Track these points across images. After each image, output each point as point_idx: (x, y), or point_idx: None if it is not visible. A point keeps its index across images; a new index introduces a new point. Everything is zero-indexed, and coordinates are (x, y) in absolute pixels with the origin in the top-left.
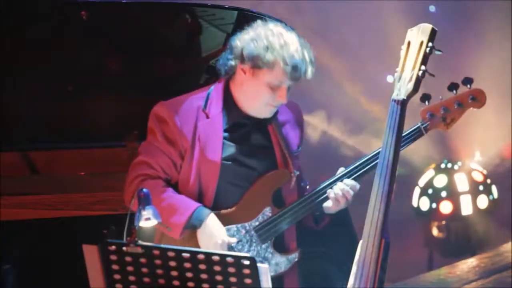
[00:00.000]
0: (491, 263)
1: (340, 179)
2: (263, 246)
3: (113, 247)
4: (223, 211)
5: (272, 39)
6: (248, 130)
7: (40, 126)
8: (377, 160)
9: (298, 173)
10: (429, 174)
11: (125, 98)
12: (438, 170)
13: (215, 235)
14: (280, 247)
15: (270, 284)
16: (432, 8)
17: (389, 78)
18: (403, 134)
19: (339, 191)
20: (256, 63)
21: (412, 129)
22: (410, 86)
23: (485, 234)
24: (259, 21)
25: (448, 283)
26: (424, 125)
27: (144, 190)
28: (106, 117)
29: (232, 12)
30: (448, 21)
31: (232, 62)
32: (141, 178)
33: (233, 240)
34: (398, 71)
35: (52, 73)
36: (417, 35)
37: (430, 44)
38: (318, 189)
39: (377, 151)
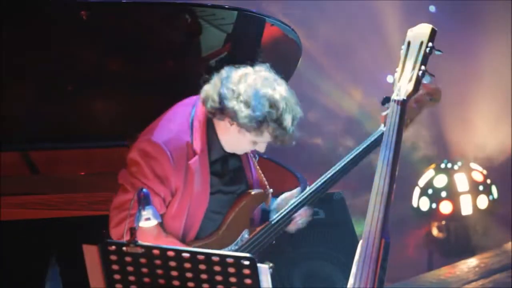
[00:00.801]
0: (491, 263)
1: (304, 202)
2: None
3: (113, 247)
4: (206, 240)
5: (267, 111)
6: (226, 159)
7: (40, 126)
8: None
9: (271, 190)
10: (429, 174)
11: (125, 98)
12: (438, 170)
13: None
14: None
15: (270, 284)
16: (432, 8)
17: (389, 78)
18: (368, 142)
19: (299, 222)
20: (247, 128)
21: (377, 134)
22: (410, 86)
23: (485, 234)
24: (249, 71)
25: (448, 283)
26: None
27: (144, 190)
28: (106, 117)
29: (232, 12)
30: (448, 21)
31: (221, 112)
32: (133, 218)
33: None
34: (398, 71)
35: (52, 73)
36: (417, 35)
37: (430, 44)
38: (288, 210)
39: (347, 160)
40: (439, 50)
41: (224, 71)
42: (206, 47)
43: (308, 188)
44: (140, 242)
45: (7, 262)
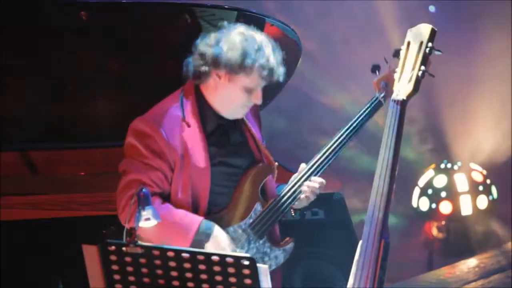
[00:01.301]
0: (491, 263)
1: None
2: (261, 242)
3: (113, 248)
4: (218, 214)
5: (246, 44)
6: (225, 130)
7: (40, 126)
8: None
9: (277, 163)
10: (428, 174)
11: (125, 98)
12: (438, 170)
13: (223, 246)
14: (274, 241)
15: (269, 284)
16: (432, 8)
17: None
18: (363, 110)
19: (307, 189)
20: (232, 69)
21: (371, 101)
22: (410, 86)
23: (484, 234)
24: (226, 24)
25: (448, 283)
26: (381, 95)
27: (144, 190)
28: (106, 117)
29: (232, 12)
30: (448, 21)
31: (205, 68)
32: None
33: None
34: (398, 72)
35: (52, 73)
36: (417, 35)
37: (429, 44)
38: (300, 176)
39: (345, 129)
40: (439, 50)
41: (198, 39)
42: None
43: (311, 160)
44: (139, 242)
45: (7, 262)
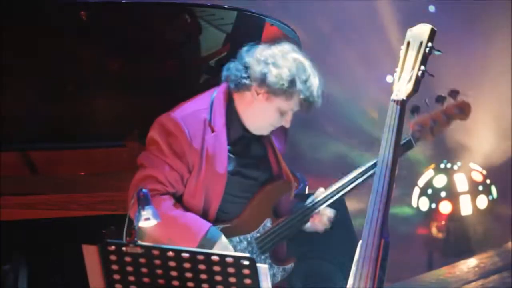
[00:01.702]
0: (491, 263)
1: (332, 195)
2: (262, 257)
3: (113, 248)
4: (227, 224)
5: (295, 72)
6: (248, 142)
7: (40, 126)
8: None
9: (296, 184)
10: (428, 174)
11: (125, 98)
12: (438, 170)
13: None
14: (277, 258)
15: (269, 285)
16: (431, 8)
17: (389, 78)
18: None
19: (319, 223)
20: (274, 91)
21: (404, 141)
22: (410, 86)
23: (484, 234)
24: (277, 43)
25: (447, 283)
26: (414, 137)
27: (144, 190)
28: (106, 117)
29: (231, 12)
30: (448, 21)
31: (247, 82)
32: (150, 194)
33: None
34: (398, 71)
35: (52, 73)
36: (417, 35)
37: (429, 44)
38: (315, 201)
39: (366, 167)
40: (438, 50)
41: (244, 47)
42: (206, 47)
43: (330, 188)
44: (139, 242)
45: (6, 263)
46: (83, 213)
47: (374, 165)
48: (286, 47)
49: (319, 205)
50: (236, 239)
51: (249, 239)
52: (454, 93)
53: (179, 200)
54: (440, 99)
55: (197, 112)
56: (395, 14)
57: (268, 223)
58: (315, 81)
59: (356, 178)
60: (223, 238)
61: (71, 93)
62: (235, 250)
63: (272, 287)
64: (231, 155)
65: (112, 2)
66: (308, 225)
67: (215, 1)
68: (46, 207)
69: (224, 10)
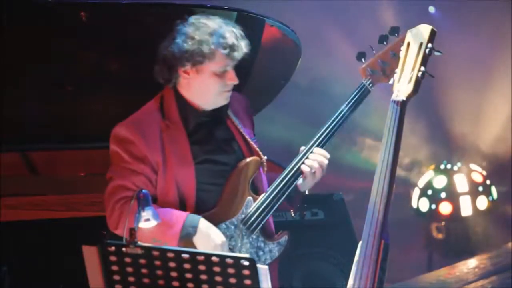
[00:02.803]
0: (491, 264)
1: (310, 151)
2: (254, 236)
3: (113, 248)
4: (208, 213)
5: (199, 32)
6: (209, 128)
7: (40, 126)
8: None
9: (266, 158)
10: (428, 175)
11: (125, 98)
12: (438, 171)
13: (213, 238)
14: (268, 235)
15: (269, 285)
16: (431, 9)
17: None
18: (351, 97)
19: (314, 163)
20: (195, 60)
21: (358, 88)
22: (410, 87)
23: (484, 235)
24: (178, 23)
25: (447, 284)
26: (368, 82)
27: (144, 191)
28: (106, 117)
29: (231, 13)
30: (448, 21)
31: (172, 71)
32: (121, 202)
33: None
34: (398, 72)
35: (52, 73)
36: (417, 36)
37: (429, 45)
38: (290, 167)
39: (335, 117)
40: (438, 51)
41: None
42: None
43: (302, 148)
44: (139, 243)
45: (7, 263)
46: (83, 213)
47: (337, 119)
48: (187, 20)
49: (298, 167)
50: (223, 225)
51: (235, 222)
52: (395, 30)
53: (154, 202)
54: (382, 39)
55: (148, 113)
56: (395, 14)
57: (249, 203)
58: (227, 28)
59: (321, 135)
60: (204, 221)
61: (71, 93)
62: (226, 236)
63: (271, 264)
64: (194, 145)
65: (112, 2)
66: (308, 177)
67: (215, 1)
68: (46, 207)
69: (224, 11)
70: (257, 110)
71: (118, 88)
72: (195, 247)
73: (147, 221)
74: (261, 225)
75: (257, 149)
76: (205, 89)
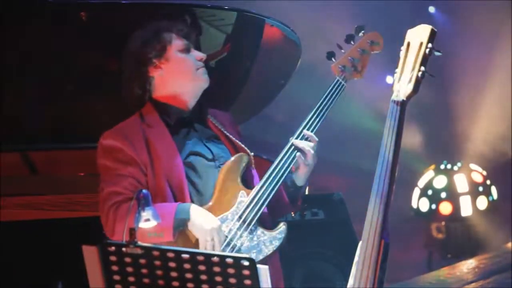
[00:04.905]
0: (491, 264)
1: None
2: (252, 228)
3: (113, 248)
4: (202, 207)
5: (147, 25)
6: (191, 125)
7: (40, 126)
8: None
9: (253, 153)
10: (428, 175)
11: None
12: (438, 171)
13: (207, 222)
14: (267, 226)
15: (270, 285)
16: (432, 9)
17: (389, 79)
18: (326, 94)
19: (304, 145)
20: (158, 51)
21: (333, 84)
22: (410, 87)
23: (484, 235)
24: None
25: (447, 284)
26: (342, 77)
27: (144, 191)
28: (106, 117)
29: (232, 13)
30: (448, 21)
31: (142, 74)
32: (114, 207)
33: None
34: (398, 72)
35: (52, 73)
36: (417, 36)
37: (429, 45)
38: (281, 156)
39: (314, 111)
40: (438, 51)
41: None
42: (206, 48)
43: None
44: (139, 243)
45: (7, 263)
46: (83, 213)
47: (316, 116)
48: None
49: (290, 155)
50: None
51: (229, 216)
52: (359, 29)
53: None
54: (349, 38)
55: (130, 121)
56: (395, 14)
57: (242, 196)
58: (165, 12)
59: (301, 131)
60: (196, 207)
61: (71, 93)
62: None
63: (273, 255)
64: (178, 141)
65: (112, 2)
66: (298, 174)
67: (216, 1)
68: (46, 207)
69: (224, 10)
70: (257, 110)
71: (118, 88)
72: (191, 236)
73: (147, 221)
74: (257, 217)
75: (243, 146)
76: (180, 72)
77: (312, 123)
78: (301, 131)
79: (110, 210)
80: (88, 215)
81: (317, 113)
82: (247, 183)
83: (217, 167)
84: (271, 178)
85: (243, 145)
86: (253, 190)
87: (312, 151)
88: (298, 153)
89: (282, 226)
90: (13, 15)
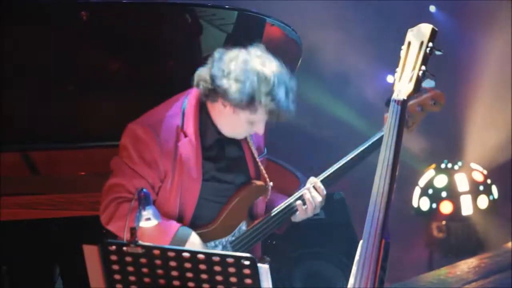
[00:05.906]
0: (491, 263)
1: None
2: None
3: (113, 247)
4: (202, 229)
5: (257, 85)
6: (222, 145)
7: (40, 126)
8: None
9: (272, 184)
10: (429, 174)
11: (125, 98)
12: (439, 170)
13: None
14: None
15: (270, 284)
16: (432, 8)
17: (389, 78)
18: (369, 142)
19: (310, 198)
20: (237, 106)
21: (379, 136)
22: (411, 86)
23: (485, 234)
24: (242, 52)
25: (448, 283)
26: None
27: (144, 190)
28: (106, 117)
29: (232, 12)
30: (448, 21)
31: (214, 93)
32: (117, 201)
33: None
34: (399, 71)
35: (52, 73)
36: (417, 35)
37: (430, 44)
38: (289, 202)
39: (350, 157)
40: (439, 50)
41: (217, 53)
42: (206, 47)
43: (311, 179)
44: (140, 242)
45: (7, 263)
46: (83, 213)
47: (354, 157)
48: (253, 53)
49: (297, 198)
50: (212, 244)
51: (223, 243)
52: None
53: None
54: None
55: (169, 118)
56: (395, 14)
57: (243, 226)
58: (280, 91)
59: (336, 171)
60: (194, 235)
61: (71, 93)
62: None
63: None
64: (206, 161)
65: (112, 2)
66: (297, 216)
67: (216, 1)
68: (46, 207)
69: (224, 10)
70: None
71: (118, 88)
72: None
73: (148, 220)
74: (247, 249)
75: (265, 174)
76: (232, 126)
77: (344, 169)
78: (329, 176)
79: (112, 203)
80: (88, 215)
81: (352, 160)
82: (253, 213)
83: (231, 190)
84: (274, 218)
85: (265, 173)
86: (255, 223)
87: (315, 205)
88: (299, 202)
89: (266, 264)
90: (13, 15)
